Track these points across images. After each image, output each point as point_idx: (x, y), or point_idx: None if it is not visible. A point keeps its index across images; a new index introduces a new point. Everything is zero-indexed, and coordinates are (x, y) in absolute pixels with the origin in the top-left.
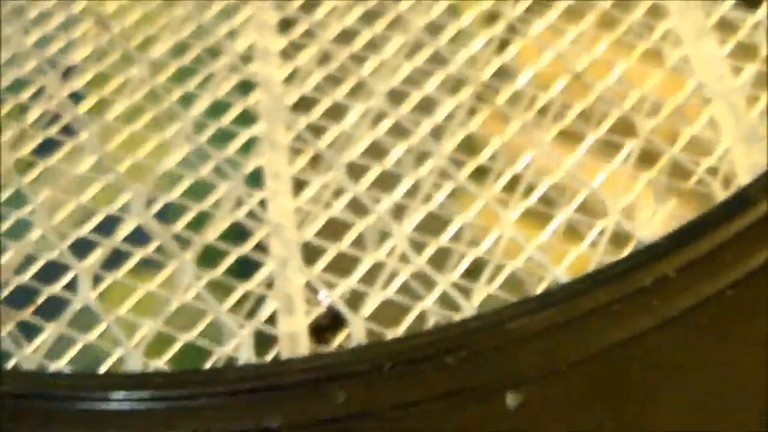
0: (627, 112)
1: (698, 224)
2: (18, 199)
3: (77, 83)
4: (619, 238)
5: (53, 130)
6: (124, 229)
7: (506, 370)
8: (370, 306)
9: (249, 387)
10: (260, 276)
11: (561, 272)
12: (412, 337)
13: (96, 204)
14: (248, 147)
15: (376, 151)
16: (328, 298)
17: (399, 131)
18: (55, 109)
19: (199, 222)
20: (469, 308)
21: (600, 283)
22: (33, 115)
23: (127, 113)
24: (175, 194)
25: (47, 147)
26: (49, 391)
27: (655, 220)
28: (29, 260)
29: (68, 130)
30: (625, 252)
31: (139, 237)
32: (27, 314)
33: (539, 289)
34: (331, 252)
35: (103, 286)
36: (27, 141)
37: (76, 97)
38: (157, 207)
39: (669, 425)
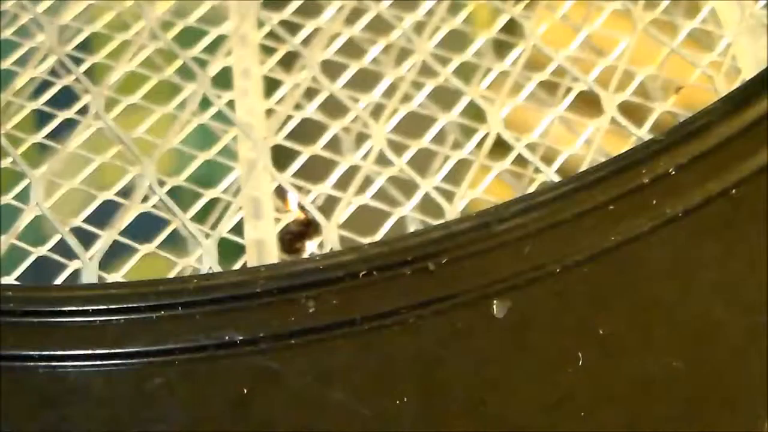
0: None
1: (701, 119)
2: None
3: None
4: (615, 136)
5: (8, 32)
6: (82, 134)
7: (493, 275)
8: (345, 212)
9: (210, 297)
10: (227, 181)
11: (552, 172)
12: (389, 242)
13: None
14: (216, 46)
15: (354, 50)
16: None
17: (378, 29)
18: (13, 9)
19: (163, 125)
20: (452, 212)
21: (594, 181)
22: None
23: (87, 14)
24: (137, 96)
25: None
26: None
27: (653, 116)
28: None
29: (25, 32)
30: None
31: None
32: None
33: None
34: (304, 155)
35: (58, 194)
36: None
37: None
38: (117, 110)
39: (667, 332)
